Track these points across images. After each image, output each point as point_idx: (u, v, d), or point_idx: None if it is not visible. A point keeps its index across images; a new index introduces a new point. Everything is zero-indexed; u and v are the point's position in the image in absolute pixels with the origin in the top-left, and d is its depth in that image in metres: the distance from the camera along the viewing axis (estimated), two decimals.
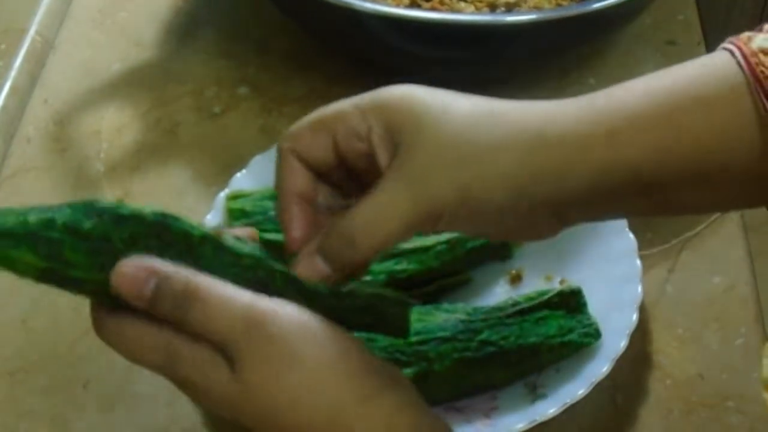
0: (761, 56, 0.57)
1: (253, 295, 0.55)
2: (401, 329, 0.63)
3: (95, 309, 0.56)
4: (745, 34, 0.59)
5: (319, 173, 0.60)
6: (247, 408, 0.54)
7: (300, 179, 0.60)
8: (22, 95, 1.01)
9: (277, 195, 0.61)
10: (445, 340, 0.74)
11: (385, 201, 0.56)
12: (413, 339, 0.74)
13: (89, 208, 0.54)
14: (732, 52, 0.58)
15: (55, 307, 0.85)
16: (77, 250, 0.53)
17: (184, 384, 0.56)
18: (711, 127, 0.56)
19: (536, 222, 0.59)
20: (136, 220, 0.54)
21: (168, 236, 0.55)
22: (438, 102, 0.57)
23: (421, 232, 0.58)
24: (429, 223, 0.57)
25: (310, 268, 0.58)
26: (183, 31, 1.09)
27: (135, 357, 0.55)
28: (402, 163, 0.56)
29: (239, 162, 0.89)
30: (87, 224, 0.53)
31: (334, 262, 0.58)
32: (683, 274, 0.86)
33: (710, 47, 1.07)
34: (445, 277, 0.82)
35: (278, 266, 0.58)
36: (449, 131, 0.56)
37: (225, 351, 0.54)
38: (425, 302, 0.80)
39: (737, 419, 0.77)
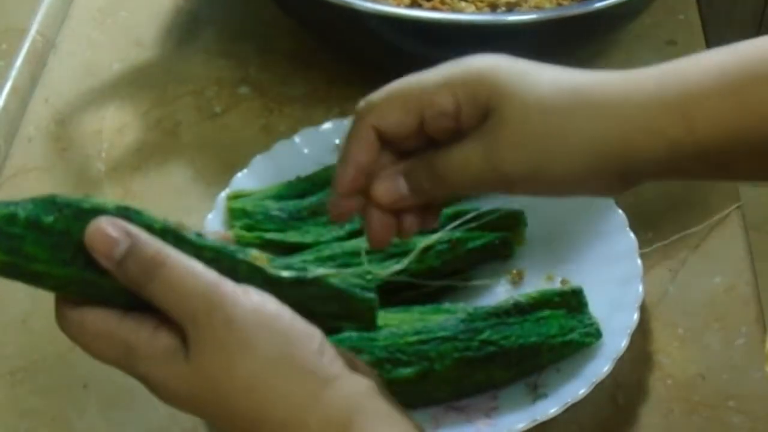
0: None
1: (219, 276, 0.55)
2: (367, 321, 0.62)
3: (58, 302, 0.56)
4: None
5: (391, 142, 0.62)
6: (202, 397, 0.55)
7: (369, 153, 0.62)
8: (23, 95, 1.01)
9: (340, 158, 0.62)
10: (445, 339, 0.74)
11: (463, 156, 0.60)
12: (414, 339, 0.74)
13: (51, 202, 0.54)
14: None
15: None
16: (39, 244, 0.53)
17: (143, 379, 0.56)
18: None
19: (607, 185, 0.60)
20: (97, 213, 0.54)
21: None
22: (523, 75, 0.60)
23: (498, 192, 0.62)
24: (501, 186, 0.60)
25: (389, 184, 0.61)
26: (184, 31, 1.09)
27: (94, 352, 0.56)
28: (485, 131, 0.59)
29: (240, 162, 0.89)
30: (48, 219, 0.54)
31: (413, 185, 0.61)
32: (684, 274, 0.86)
33: (711, 47, 1.07)
34: (446, 276, 0.82)
35: (242, 256, 0.58)
36: (531, 106, 0.59)
37: (183, 331, 0.54)
38: (426, 302, 0.80)
39: (738, 419, 0.77)
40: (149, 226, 0.55)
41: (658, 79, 0.60)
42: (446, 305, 0.80)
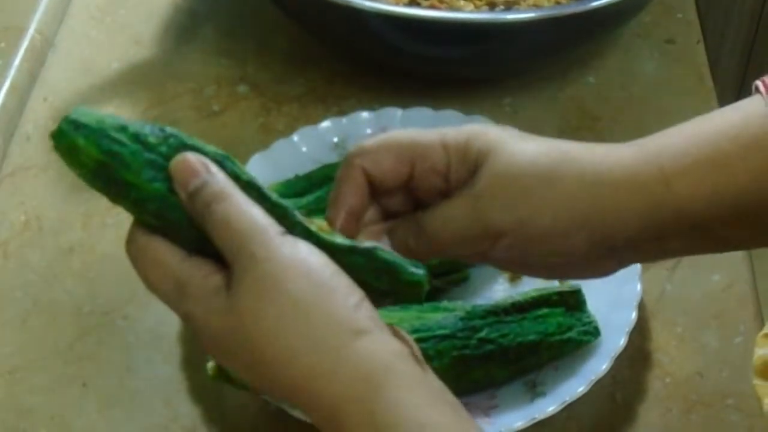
0: None
1: (274, 222, 0.56)
2: (415, 297, 0.62)
3: (133, 224, 0.58)
4: None
5: (379, 194, 0.63)
6: (233, 337, 0.55)
7: (360, 197, 0.63)
8: (21, 93, 1.01)
9: (329, 202, 0.64)
10: (444, 337, 0.74)
11: (450, 211, 0.61)
12: (412, 336, 0.74)
13: (160, 129, 0.58)
14: (757, 87, 0.62)
15: (54, 307, 0.85)
16: (136, 155, 0.57)
17: (186, 317, 0.57)
18: (759, 167, 0.59)
19: (595, 258, 0.62)
20: (197, 151, 0.58)
21: None
22: (509, 139, 0.62)
23: (482, 249, 0.62)
24: (487, 242, 0.61)
25: (373, 242, 0.61)
26: (182, 30, 1.09)
27: (149, 279, 0.58)
28: (473, 184, 0.61)
29: (238, 160, 0.88)
30: (153, 139, 0.57)
31: (399, 244, 0.62)
32: (682, 273, 0.86)
33: (709, 46, 1.07)
34: (444, 275, 0.82)
35: (305, 221, 0.59)
36: (516, 165, 0.61)
37: (231, 267, 0.55)
38: (424, 300, 0.80)
39: (736, 417, 0.77)
40: (236, 176, 0.58)
41: (639, 144, 0.62)
42: (444, 303, 0.80)
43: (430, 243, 0.62)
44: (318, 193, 0.86)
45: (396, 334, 0.57)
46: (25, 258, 0.88)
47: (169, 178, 0.57)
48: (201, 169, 0.57)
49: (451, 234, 0.61)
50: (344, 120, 0.92)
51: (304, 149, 0.90)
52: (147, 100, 1.01)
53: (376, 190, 0.63)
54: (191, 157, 0.57)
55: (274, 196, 0.59)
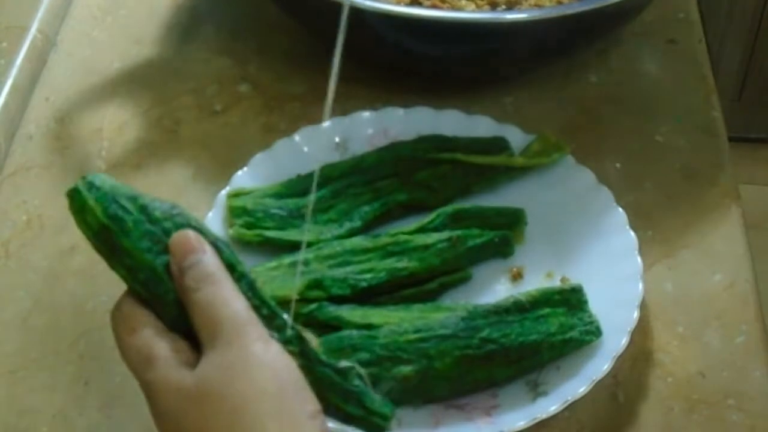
0: None
1: (257, 319, 0.58)
2: (377, 428, 0.63)
3: (125, 293, 0.60)
4: None
5: None
6: (189, 416, 0.56)
7: None
8: (23, 93, 1.01)
9: None
10: (446, 337, 0.74)
11: None
12: (414, 336, 0.74)
13: (172, 206, 0.60)
14: None
15: (56, 306, 0.85)
16: (138, 225, 0.59)
17: (146, 385, 0.58)
18: None
19: None
20: (200, 233, 0.60)
21: None
22: None
23: None
24: None
25: None
26: (184, 29, 1.09)
27: (122, 346, 0.59)
28: None
29: (240, 160, 0.89)
30: (159, 213, 0.59)
31: None
32: (684, 272, 0.86)
33: (711, 46, 1.07)
34: (446, 274, 0.82)
35: (290, 327, 0.60)
36: None
37: (203, 347, 0.57)
38: (426, 300, 0.80)
39: (738, 417, 0.77)
40: (232, 265, 0.60)
41: None
42: (446, 303, 0.80)
43: None
44: (319, 193, 0.86)
45: None
46: (27, 257, 0.88)
47: (164, 253, 0.59)
48: (199, 247, 0.59)
49: None
50: (346, 120, 0.92)
51: (305, 149, 0.90)
52: (149, 99, 1.01)
53: None
54: (193, 234, 0.59)
55: (266, 296, 0.61)
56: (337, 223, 0.85)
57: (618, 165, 0.93)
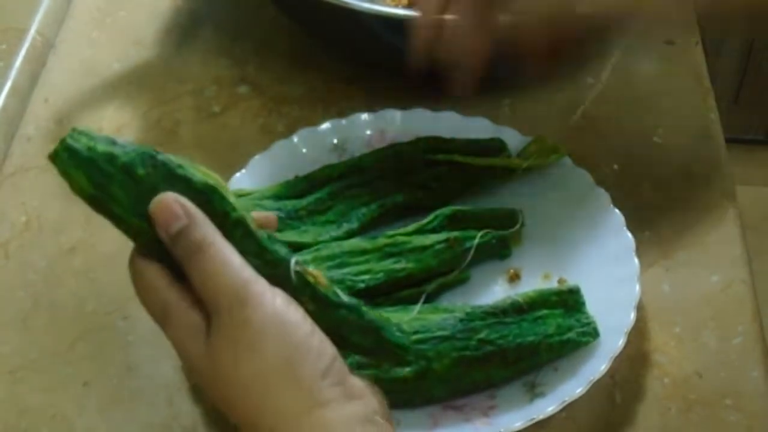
0: None
1: (253, 274, 0.57)
2: (396, 361, 0.64)
3: (134, 247, 0.60)
4: None
5: None
6: (211, 380, 0.57)
7: None
8: (22, 94, 1.01)
9: None
10: (444, 339, 0.74)
11: None
12: (412, 338, 0.74)
13: (150, 156, 0.58)
14: None
15: (55, 307, 0.85)
16: (125, 189, 0.57)
17: (171, 341, 0.59)
18: None
19: None
20: (185, 183, 0.58)
21: (207, 208, 0.58)
22: None
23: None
24: None
25: None
26: (183, 31, 1.09)
27: (142, 300, 0.59)
28: None
29: (239, 161, 0.89)
30: (141, 171, 0.57)
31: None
32: (681, 273, 0.86)
33: (707, 47, 1.07)
34: (444, 275, 0.82)
35: (299, 269, 0.59)
36: None
37: (210, 318, 0.57)
38: (424, 301, 0.80)
39: (735, 417, 0.77)
40: (225, 213, 0.58)
41: None
42: (444, 304, 0.80)
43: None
44: (318, 195, 0.86)
45: (362, 392, 0.58)
46: (26, 258, 0.89)
47: None
48: (179, 211, 0.57)
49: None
50: (344, 121, 0.92)
51: (303, 150, 0.91)
52: (148, 100, 1.01)
53: None
54: (169, 199, 0.57)
55: (266, 240, 0.59)
56: (335, 224, 0.85)
57: (615, 166, 0.93)
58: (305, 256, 0.81)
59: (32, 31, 1.05)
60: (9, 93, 0.99)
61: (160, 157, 0.58)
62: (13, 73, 1.01)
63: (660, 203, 0.91)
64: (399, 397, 0.73)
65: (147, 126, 0.99)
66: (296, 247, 0.82)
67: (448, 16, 0.65)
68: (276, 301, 0.57)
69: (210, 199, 0.58)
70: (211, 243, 0.57)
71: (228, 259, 0.57)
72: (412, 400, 0.75)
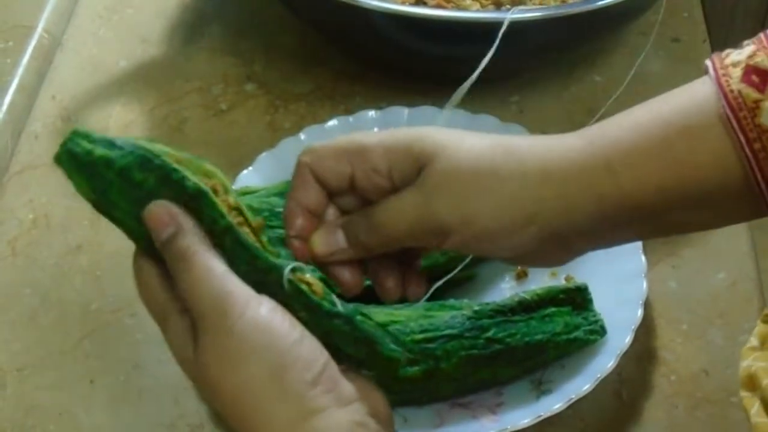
0: (730, 68, 0.58)
1: (238, 283, 0.57)
2: (389, 374, 0.63)
3: (138, 247, 0.60)
4: (726, 51, 0.60)
5: (332, 193, 0.64)
6: (201, 390, 0.60)
7: (311, 194, 0.63)
8: (29, 92, 1.01)
9: (286, 201, 0.64)
10: (452, 337, 0.74)
11: (399, 205, 0.61)
12: (420, 337, 0.74)
13: (147, 159, 0.58)
14: (707, 69, 0.60)
15: (62, 305, 0.85)
16: (123, 194, 0.58)
17: (167, 344, 0.59)
18: (703, 153, 0.58)
19: (545, 250, 0.61)
20: (178, 187, 0.58)
21: (198, 214, 0.58)
22: (455, 138, 0.61)
23: (432, 245, 0.62)
24: (437, 236, 0.61)
25: (326, 235, 0.63)
26: (189, 28, 1.09)
27: (143, 298, 0.60)
28: (420, 182, 0.61)
29: (246, 159, 0.89)
30: (138, 176, 0.58)
31: (350, 237, 0.62)
32: (688, 271, 0.86)
33: (714, 44, 1.07)
34: (450, 272, 0.82)
35: (291, 276, 0.59)
36: (461, 163, 0.60)
37: (196, 326, 0.57)
38: (431, 298, 0.80)
39: (742, 415, 0.77)
40: (214, 220, 0.58)
41: (584, 137, 0.61)
42: (451, 301, 0.80)
43: (381, 236, 0.62)
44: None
45: (356, 397, 0.58)
46: (34, 256, 0.89)
47: None
48: (168, 220, 0.57)
49: (402, 227, 0.61)
50: (351, 119, 0.92)
51: None
52: (154, 98, 1.02)
53: (327, 190, 0.63)
54: (159, 208, 0.58)
55: (258, 248, 0.59)
56: None
57: None
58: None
59: (39, 29, 1.05)
60: (16, 90, 0.99)
61: (156, 161, 0.58)
62: (20, 70, 1.01)
63: None
64: (406, 395, 0.73)
65: (154, 123, 0.99)
66: None
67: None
68: (260, 310, 0.56)
69: (200, 205, 0.58)
70: (194, 252, 0.57)
71: (209, 267, 0.57)
72: (419, 399, 0.75)
